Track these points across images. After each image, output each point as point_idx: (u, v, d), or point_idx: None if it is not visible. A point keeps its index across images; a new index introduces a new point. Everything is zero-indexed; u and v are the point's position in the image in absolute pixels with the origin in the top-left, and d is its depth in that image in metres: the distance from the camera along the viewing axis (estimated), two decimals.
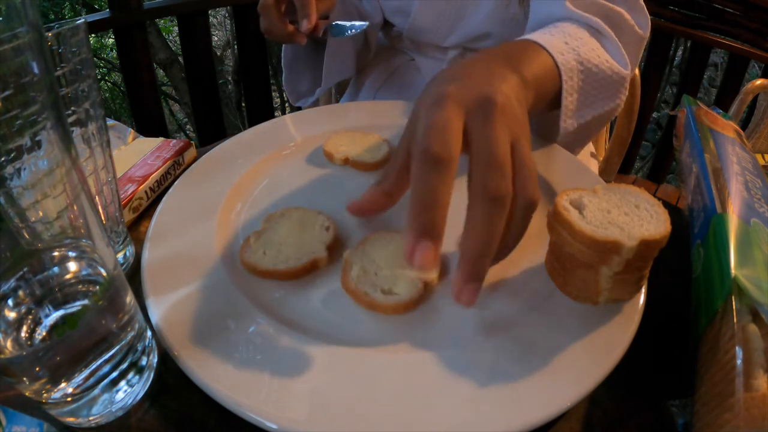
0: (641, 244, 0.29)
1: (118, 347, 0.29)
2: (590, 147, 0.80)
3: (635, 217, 0.31)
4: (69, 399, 0.28)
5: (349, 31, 0.55)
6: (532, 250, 0.38)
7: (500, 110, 0.31)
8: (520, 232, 0.32)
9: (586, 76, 0.47)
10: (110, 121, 0.54)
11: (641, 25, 0.54)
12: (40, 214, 0.24)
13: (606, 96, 0.50)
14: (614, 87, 0.50)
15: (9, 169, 0.21)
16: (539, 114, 0.50)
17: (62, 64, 0.31)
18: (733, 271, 0.30)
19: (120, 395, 0.30)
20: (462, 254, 0.29)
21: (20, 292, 0.26)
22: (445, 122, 0.30)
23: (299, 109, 0.65)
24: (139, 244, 0.39)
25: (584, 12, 0.52)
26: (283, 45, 0.71)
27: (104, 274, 0.28)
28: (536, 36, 0.47)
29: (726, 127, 0.46)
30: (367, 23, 0.56)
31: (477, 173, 0.29)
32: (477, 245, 0.28)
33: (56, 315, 0.27)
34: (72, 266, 0.27)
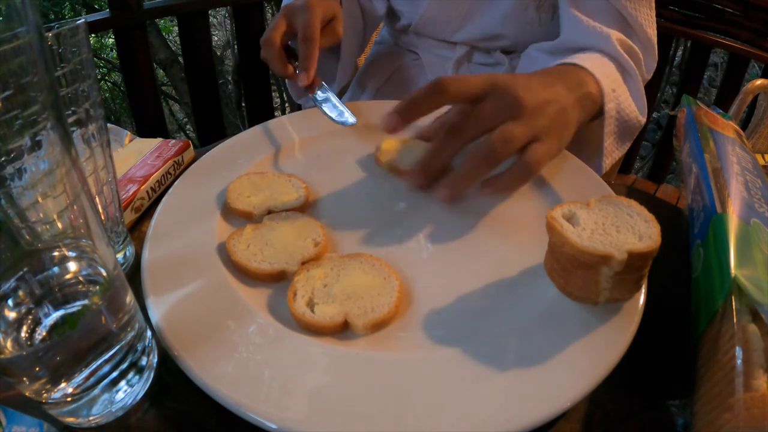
0: (631, 256, 0.30)
1: (118, 347, 0.29)
2: None
3: (627, 230, 0.32)
4: (69, 399, 0.28)
5: (332, 111, 0.53)
6: (531, 250, 0.38)
7: (530, 112, 0.40)
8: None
9: (620, 124, 0.53)
10: None
11: (650, 68, 0.58)
12: (41, 214, 0.24)
13: (627, 139, 0.55)
14: (633, 132, 0.55)
15: (9, 170, 0.22)
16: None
17: (62, 64, 0.31)
18: (733, 271, 0.30)
19: (120, 395, 0.30)
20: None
21: (20, 292, 0.26)
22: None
23: (299, 109, 0.65)
24: (141, 244, 0.39)
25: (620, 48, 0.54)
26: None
27: (104, 274, 0.28)
28: (591, 68, 0.50)
29: (726, 127, 0.46)
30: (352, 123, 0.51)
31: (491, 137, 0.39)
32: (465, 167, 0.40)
33: (56, 315, 0.27)
34: (72, 266, 0.27)
